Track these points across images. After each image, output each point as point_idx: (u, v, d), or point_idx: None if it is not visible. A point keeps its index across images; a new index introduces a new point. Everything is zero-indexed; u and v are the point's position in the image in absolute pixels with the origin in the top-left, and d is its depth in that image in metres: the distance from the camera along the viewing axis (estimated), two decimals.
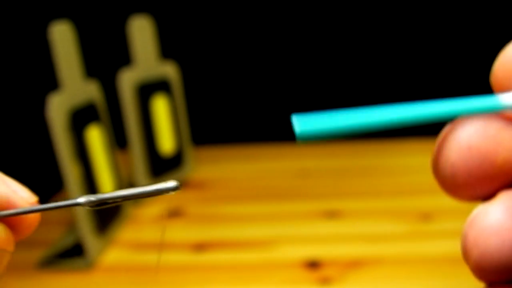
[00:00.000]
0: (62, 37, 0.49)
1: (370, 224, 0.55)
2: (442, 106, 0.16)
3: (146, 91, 0.62)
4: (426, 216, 0.55)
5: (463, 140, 0.16)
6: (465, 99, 0.17)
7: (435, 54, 0.76)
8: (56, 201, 0.17)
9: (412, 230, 0.53)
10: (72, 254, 0.50)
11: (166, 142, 0.65)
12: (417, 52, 0.76)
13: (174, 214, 0.59)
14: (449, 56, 0.76)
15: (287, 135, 0.74)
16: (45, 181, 0.57)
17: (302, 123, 0.14)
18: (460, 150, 0.16)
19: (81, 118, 0.51)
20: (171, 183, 0.17)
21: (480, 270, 0.15)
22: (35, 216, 0.17)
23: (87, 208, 0.16)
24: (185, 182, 0.66)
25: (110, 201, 0.16)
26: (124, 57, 0.61)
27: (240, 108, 0.80)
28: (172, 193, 0.17)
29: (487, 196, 0.16)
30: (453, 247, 0.49)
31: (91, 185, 0.51)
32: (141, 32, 0.61)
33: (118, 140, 0.60)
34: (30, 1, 0.73)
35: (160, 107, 0.64)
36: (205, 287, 0.46)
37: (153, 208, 0.61)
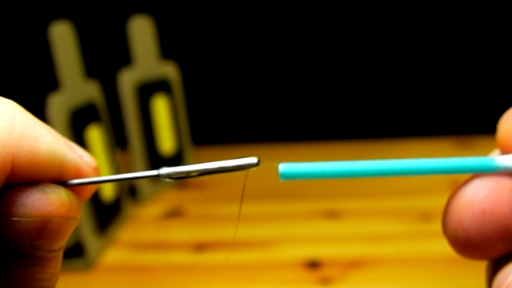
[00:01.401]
0: (62, 37, 0.49)
1: (370, 224, 0.55)
2: (439, 164, 0.16)
3: (146, 91, 0.62)
4: (426, 216, 0.55)
5: (476, 204, 0.15)
6: (461, 159, 0.16)
7: (435, 59, 0.76)
8: None
9: (412, 230, 0.53)
10: (72, 254, 0.50)
11: (166, 142, 0.65)
12: (415, 54, 0.76)
13: (174, 214, 0.59)
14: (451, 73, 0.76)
15: (287, 135, 0.74)
16: None
17: (285, 167, 0.16)
18: (473, 215, 0.15)
19: (81, 118, 0.51)
20: (252, 159, 0.16)
21: None
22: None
23: (167, 180, 0.17)
24: (184, 182, 0.66)
25: (190, 174, 0.16)
26: (124, 57, 0.61)
27: (240, 108, 0.80)
28: (253, 168, 0.17)
29: (501, 256, 0.16)
30: None
31: None
32: (141, 32, 0.61)
33: (118, 140, 0.60)
34: (30, 1, 0.73)
35: (160, 107, 0.64)
36: (205, 287, 0.46)
37: (153, 208, 0.61)
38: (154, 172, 0.17)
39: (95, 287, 0.47)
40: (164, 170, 0.17)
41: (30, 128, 0.15)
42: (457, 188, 0.16)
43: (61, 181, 0.16)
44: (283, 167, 0.16)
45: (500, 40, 0.74)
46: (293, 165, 0.16)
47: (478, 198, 0.15)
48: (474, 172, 0.16)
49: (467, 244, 0.16)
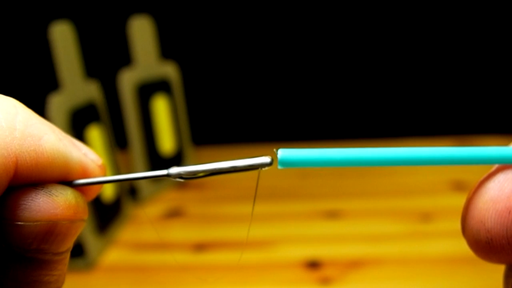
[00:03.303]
0: (62, 37, 0.49)
1: (370, 224, 0.55)
2: (453, 152, 0.14)
3: (146, 91, 0.62)
4: (426, 216, 0.55)
5: (501, 201, 0.13)
6: (480, 148, 0.14)
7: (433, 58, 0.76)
8: None
9: (412, 230, 0.53)
10: (72, 254, 0.50)
11: (166, 142, 0.65)
12: (414, 53, 0.76)
13: (174, 214, 0.59)
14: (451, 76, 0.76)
15: (287, 135, 0.74)
16: None
17: (284, 153, 0.15)
18: (497, 214, 0.13)
19: (81, 118, 0.51)
20: (265, 158, 0.16)
21: None
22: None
23: (177, 180, 0.16)
24: (185, 182, 0.66)
25: (200, 174, 0.16)
26: (124, 57, 0.61)
27: (240, 108, 0.80)
28: (266, 168, 0.16)
29: None
30: (453, 247, 0.49)
31: None
32: (141, 32, 0.61)
33: (118, 140, 0.60)
34: (30, 1, 0.73)
35: (160, 107, 0.64)
36: (205, 287, 0.46)
37: (153, 208, 0.61)
38: (163, 172, 0.16)
39: (95, 287, 0.47)
40: (174, 170, 0.16)
41: (33, 127, 0.14)
42: (478, 183, 0.14)
43: (67, 181, 0.15)
44: (282, 153, 0.15)
45: (500, 40, 0.74)
46: (292, 151, 0.15)
47: (503, 194, 0.13)
48: (496, 163, 0.14)
49: (490, 246, 0.14)
